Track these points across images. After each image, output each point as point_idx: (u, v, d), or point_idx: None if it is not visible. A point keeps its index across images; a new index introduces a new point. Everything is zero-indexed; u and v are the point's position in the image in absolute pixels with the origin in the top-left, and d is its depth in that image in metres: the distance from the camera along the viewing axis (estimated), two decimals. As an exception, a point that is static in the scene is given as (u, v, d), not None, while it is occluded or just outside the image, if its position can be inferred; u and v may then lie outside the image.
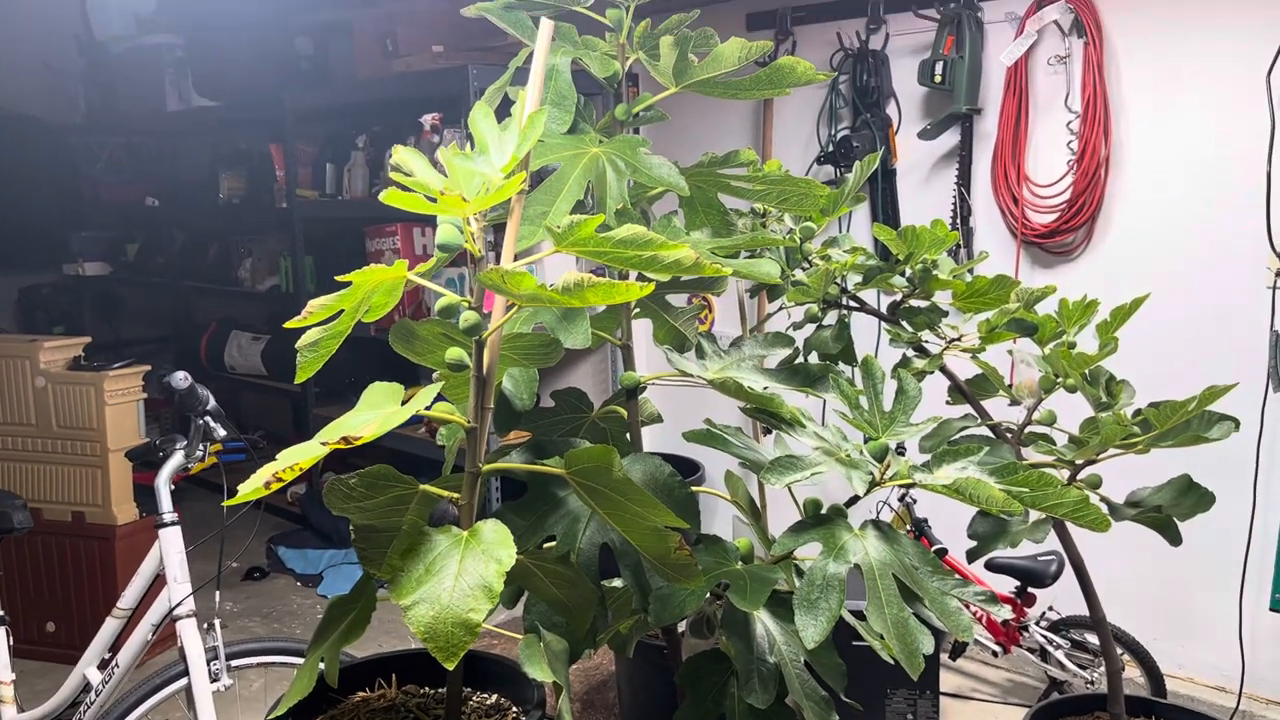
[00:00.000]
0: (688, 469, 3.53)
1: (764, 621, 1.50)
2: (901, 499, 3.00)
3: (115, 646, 2.01)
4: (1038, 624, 2.78)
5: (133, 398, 3.19)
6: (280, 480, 1.03)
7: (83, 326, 5.99)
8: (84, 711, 1.96)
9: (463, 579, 1.06)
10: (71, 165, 6.40)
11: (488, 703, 1.25)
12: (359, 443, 1.04)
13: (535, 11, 1.58)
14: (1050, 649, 2.73)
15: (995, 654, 2.88)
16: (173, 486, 2.06)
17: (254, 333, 5.20)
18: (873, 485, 1.38)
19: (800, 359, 1.73)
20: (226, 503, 1.04)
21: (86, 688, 2.00)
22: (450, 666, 1.03)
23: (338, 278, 1.17)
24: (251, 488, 1.02)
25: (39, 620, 3.29)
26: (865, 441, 1.50)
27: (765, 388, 1.45)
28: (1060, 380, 1.87)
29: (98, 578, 3.20)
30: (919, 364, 1.88)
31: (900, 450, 1.70)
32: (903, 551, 1.37)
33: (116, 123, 6.16)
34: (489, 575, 1.06)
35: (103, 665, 2.01)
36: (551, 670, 1.11)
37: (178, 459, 1.98)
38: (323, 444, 1.03)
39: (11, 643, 2.14)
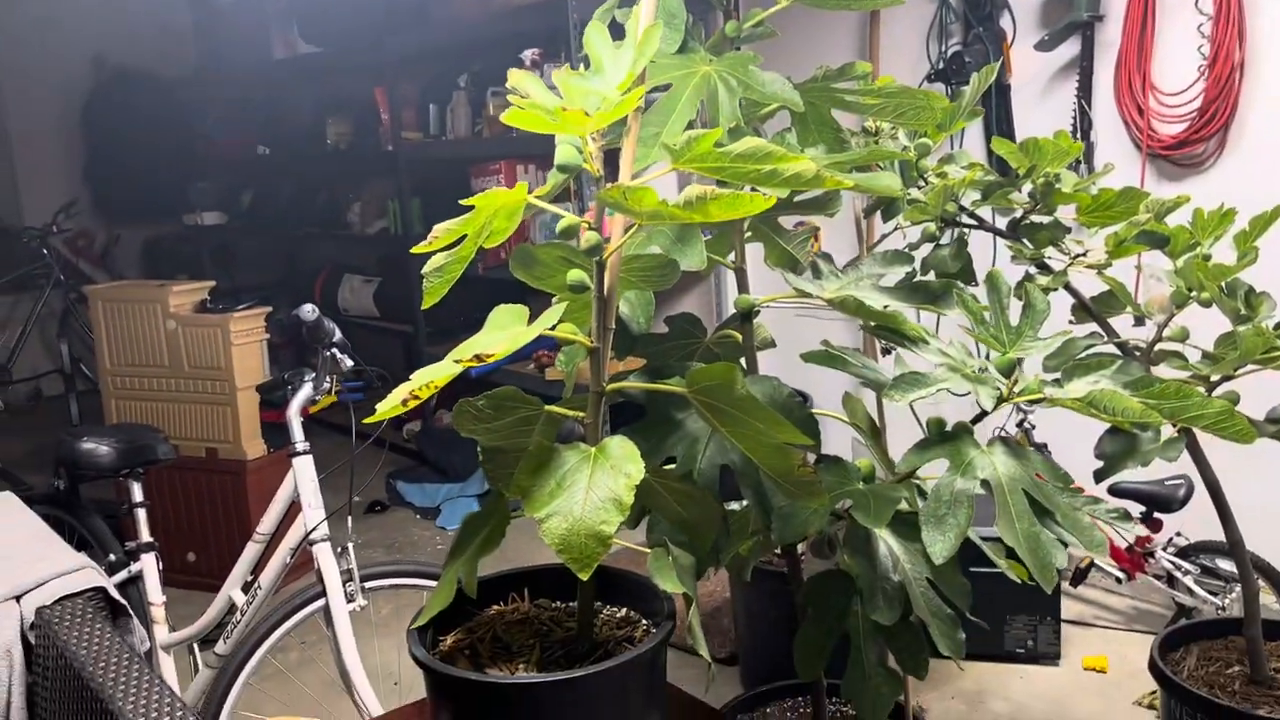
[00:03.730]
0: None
1: (886, 541, 1.49)
2: (1020, 424, 2.93)
3: (256, 570, 2.12)
4: (1164, 550, 2.70)
5: (256, 338, 3.32)
6: (417, 398, 1.06)
7: (202, 274, 6.23)
8: (230, 630, 2.08)
9: (593, 493, 1.08)
10: (185, 118, 6.61)
11: (618, 615, 1.27)
12: (491, 359, 1.06)
13: (643, -71, 1.55)
14: (1178, 575, 2.66)
15: (1119, 581, 2.81)
16: (301, 418, 2.13)
17: (365, 275, 5.33)
18: (1001, 400, 1.36)
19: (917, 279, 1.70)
20: (369, 420, 1.07)
21: (232, 608, 2.12)
22: (584, 577, 1.05)
23: (462, 202, 1.18)
24: (389, 405, 1.06)
25: (180, 550, 3.48)
26: (988, 356, 1.47)
27: (886, 306, 1.43)
28: (1194, 294, 1.79)
29: (231, 509, 3.37)
30: (1042, 281, 1.83)
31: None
32: (1031, 467, 1.34)
33: (225, 74, 6.32)
34: (619, 489, 1.08)
35: (245, 588, 2.13)
36: (681, 583, 1.13)
37: (307, 390, 2.06)
38: (456, 362, 1.06)
39: (161, 567, 2.27)
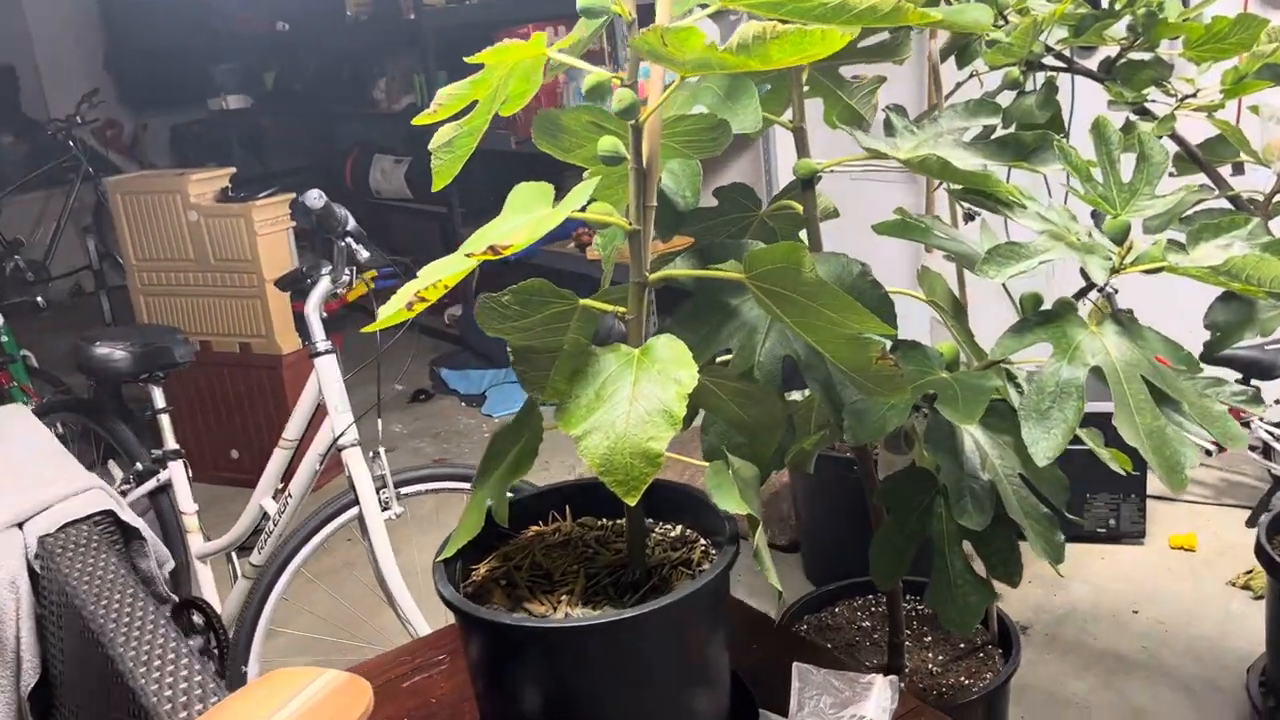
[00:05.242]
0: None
1: (972, 434, 1.32)
2: (1100, 289, 2.70)
3: (287, 476, 2.01)
4: (1260, 420, 2.51)
5: (282, 227, 3.16)
6: (424, 300, 0.89)
7: (232, 160, 6.06)
8: (264, 539, 1.98)
9: (638, 404, 0.92)
10: (201, -3, 6.34)
11: (672, 534, 1.12)
12: (507, 252, 0.88)
13: None
14: (1275, 445, 2.47)
15: (1208, 453, 2.63)
16: (326, 315, 1.98)
17: (395, 155, 5.12)
18: (1114, 272, 1.16)
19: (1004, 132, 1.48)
20: (366, 329, 0.91)
21: (265, 517, 2.01)
22: (631, 502, 0.90)
23: (467, 59, 0.99)
24: (393, 309, 0.89)
25: (223, 448, 3.41)
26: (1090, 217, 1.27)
27: (980, 165, 1.22)
28: (1324, 136, 1.56)
29: (270, 405, 3.27)
30: (1146, 127, 1.60)
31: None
32: (1149, 348, 1.15)
33: (238, -53, 6.01)
34: (668, 399, 0.91)
35: (277, 495, 2.02)
36: (745, 501, 0.97)
37: (324, 285, 1.90)
38: (467, 255, 0.88)
39: (190, 474, 2.17)
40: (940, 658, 1.63)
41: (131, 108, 6.53)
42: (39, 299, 4.66)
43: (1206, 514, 2.58)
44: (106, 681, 1.08)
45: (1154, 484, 2.66)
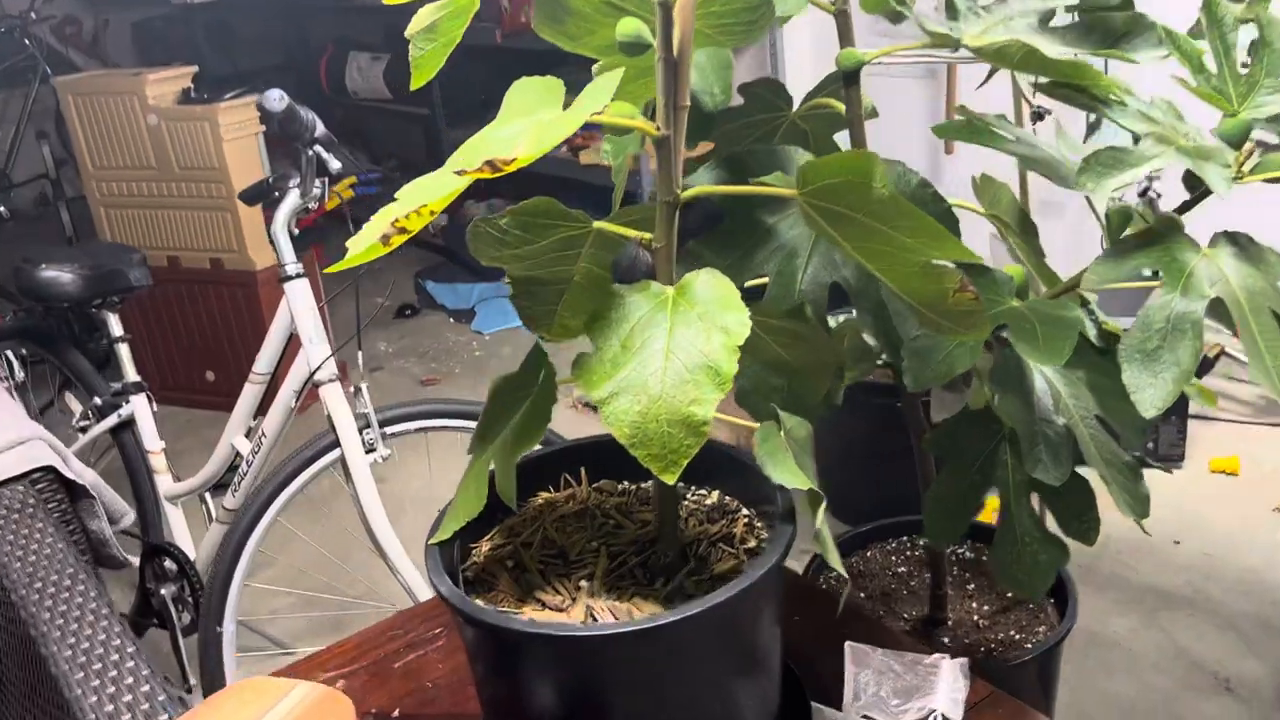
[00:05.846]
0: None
1: (1043, 372, 1.15)
2: (1143, 193, 2.50)
3: (261, 412, 1.82)
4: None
5: (250, 131, 2.91)
6: (406, 231, 0.70)
7: (201, 59, 5.72)
8: (238, 482, 1.81)
9: (676, 358, 0.74)
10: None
11: (707, 501, 0.95)
12: (510, 168, 0.69)
13: None
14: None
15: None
16: (298, 230, 1.78)
17: (373, 52, 4.81)
18: (1233, 182, 0.97)
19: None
20: (331, 270, 0.72)
21: (238, 456, 1.84)
22: (670, 480, 0.72)
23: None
24: (366, 243, 0.70)
25: (198, 370, 3.22)
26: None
27: (1070, 53, 1.02)
28: None
29: (245, 323, 3.07)
30: (1237, 10, 1.39)
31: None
32: (1273, 273, 0.97)
33: None
34: (713, 352, 0.73)
35: (250, 433, 1.84)
36: (803, 471, 0.79)
37: (292, 200, 1.68)
38: (458, 173, 0.69)
39: (155, 409, 1.98)
40: (986, 609, 1.48)
41: (89, 2, 6.15)
42: (1, 209, 4.40)
43: (1248, 434, 2.43)
44: (38, 683, 0.91)
45: (1194, 403, 2.50)
